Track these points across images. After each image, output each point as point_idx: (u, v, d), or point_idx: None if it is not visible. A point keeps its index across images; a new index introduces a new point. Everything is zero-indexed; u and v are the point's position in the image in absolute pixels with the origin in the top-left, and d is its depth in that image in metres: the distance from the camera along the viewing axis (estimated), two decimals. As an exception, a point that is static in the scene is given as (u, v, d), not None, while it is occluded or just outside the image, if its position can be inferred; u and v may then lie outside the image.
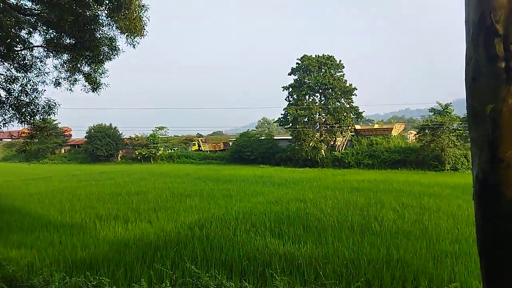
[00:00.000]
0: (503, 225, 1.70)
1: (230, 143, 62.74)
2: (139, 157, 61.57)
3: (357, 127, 53.13)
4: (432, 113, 43.21)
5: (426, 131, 41.89)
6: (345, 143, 50.13)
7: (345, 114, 48.07)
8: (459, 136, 40.54)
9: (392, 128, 52.16)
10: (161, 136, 65.40)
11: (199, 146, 65.46)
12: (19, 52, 12.45)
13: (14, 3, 11.13)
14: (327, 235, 10.18)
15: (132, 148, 64.87)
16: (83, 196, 19.40)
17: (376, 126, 56.71)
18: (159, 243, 9.65)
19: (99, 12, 11.23)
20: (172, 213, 14.02)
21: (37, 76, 12.99)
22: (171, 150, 65.40)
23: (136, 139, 67.00)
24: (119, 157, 66.28)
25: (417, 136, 45.93)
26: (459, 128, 40.65)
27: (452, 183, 24.90)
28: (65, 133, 70.75)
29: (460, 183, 23.93)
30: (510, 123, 1.65)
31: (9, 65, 12.49)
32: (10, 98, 12.69)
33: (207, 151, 63.98)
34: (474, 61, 1.76)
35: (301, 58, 49.17)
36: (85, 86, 13.15)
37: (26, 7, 11.25)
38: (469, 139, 1.92)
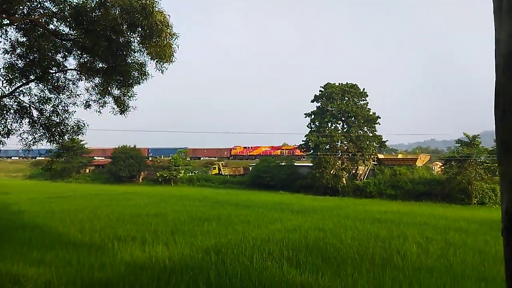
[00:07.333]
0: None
1: (250, 168, 62.75)
2: (160, 179, 62.37)
3: (380, 156, 52.22)
4: (459, 145, 42.14)
5: (453, 163, 40.71)
6: (367, 172, 49.18)
7: (367, 142, 47.56)
8: (486, 169, 39.12)
9: (417, 158, 50.95)
10: (182, 159, 66.32)
11: (219, 170, 65.80)
12: (53, 74, 13.12)
13: (53, 28, 11.79)
14: (346, 267, 9.79)
15: (153, 170, 65.92)
16: (103, 216, 19.63)
17: (400, 156, 55.62)
18: (175, 267, 9.54)
19: (131, 39, 11.77)
20: (190, 237, 13.93)
21: (69, 97, 13.63)
22: (191, 173, 66.04)
23: (158, 161, 68.11)
24: (140, 178, 67.35)
25: (443, 168, 44.65)
26: (487, 161, 39.26)
27: (479, 217, 23.78)
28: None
29: (488, 218, 22.84)
30: None
31: (43, 86, 13.16)
32: (42, 118, 13.29)
33: (227, 175, 64.15)
34: (506, 93, 1.70)
35: (324, 85, 49.50)
36: (113, 108, 13.62)
37: (63, 32, 11.88)
38: (497, 173, 1.85)
